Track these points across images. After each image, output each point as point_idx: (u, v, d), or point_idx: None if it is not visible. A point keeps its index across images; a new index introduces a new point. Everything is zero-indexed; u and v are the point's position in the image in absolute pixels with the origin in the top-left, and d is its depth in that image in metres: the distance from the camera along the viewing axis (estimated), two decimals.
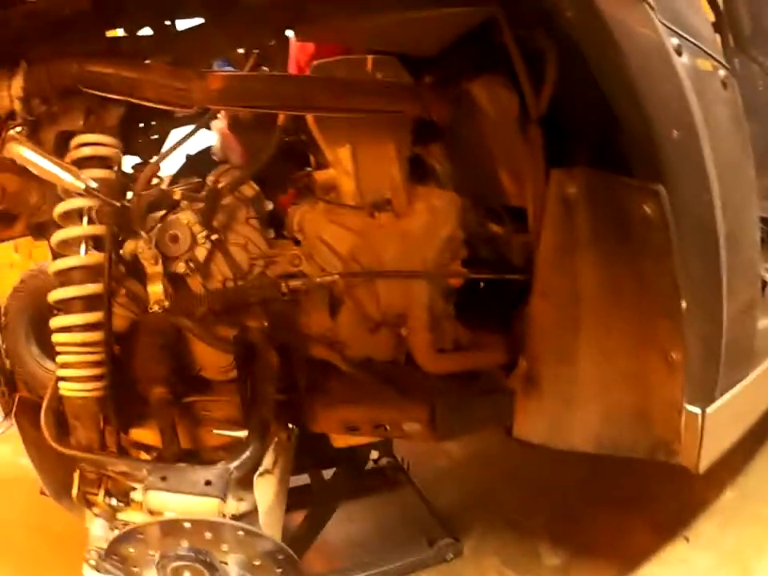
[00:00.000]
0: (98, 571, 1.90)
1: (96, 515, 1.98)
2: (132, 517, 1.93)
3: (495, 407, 2.17)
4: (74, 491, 1.95)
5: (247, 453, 1.88)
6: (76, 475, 1.94)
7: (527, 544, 2.75)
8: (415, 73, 2.27)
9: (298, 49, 2.40)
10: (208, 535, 1.75)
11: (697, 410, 1.85)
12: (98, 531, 1.94)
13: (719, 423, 1.93)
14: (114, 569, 1.87)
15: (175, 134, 2.34)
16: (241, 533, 1.76)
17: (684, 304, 1.77)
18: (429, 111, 2.15)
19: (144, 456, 2.14)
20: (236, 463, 1.85)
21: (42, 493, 2.12)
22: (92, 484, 1.95)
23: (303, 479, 2.87)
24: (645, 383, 1.91)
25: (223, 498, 1.78)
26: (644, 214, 1.74)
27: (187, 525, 1.75)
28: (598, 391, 1.99)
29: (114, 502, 1.96)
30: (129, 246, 2.02)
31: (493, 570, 2.64)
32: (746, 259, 1.97)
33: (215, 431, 2.19)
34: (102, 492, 1.96)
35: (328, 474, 2.77)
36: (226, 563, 1.78)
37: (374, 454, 2.52)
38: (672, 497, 2.85)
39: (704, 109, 1.74)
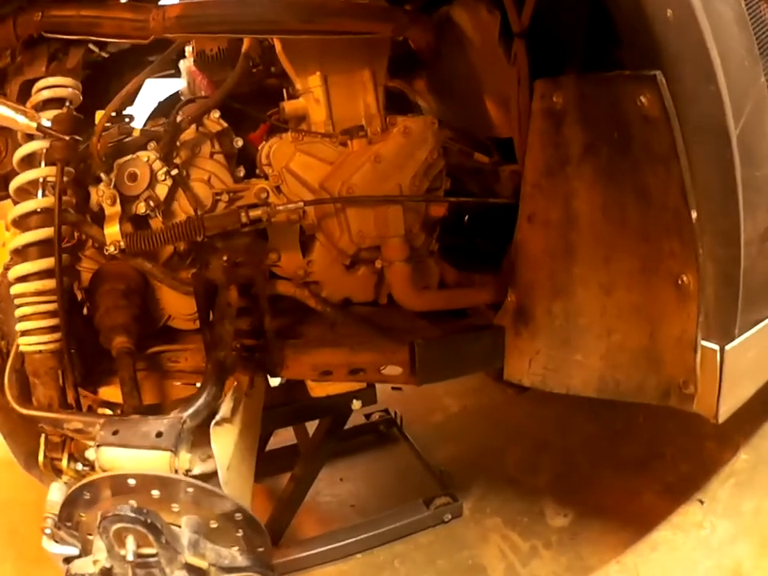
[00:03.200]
0: (55, 541, 1.41)
1: (65, 483, 1.50)
2: None
3: (485, 348, 1.63)
4: (41, 457, 1.50)
5: (201, 400, 1.38)
6: (41, 440, 1.49)
7: (530, 504, 2.17)
8: (398, 1, 1.78)
9: None
10: (155, 493, 1.28)
11: (714, 347, 1.32)
12: (55, 496, 1.46)
13: (740, 364, 1.39)
14: (69, 537, 1.39)
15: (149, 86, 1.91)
16: (190, 489, 1.27)
17: (694, 215, 1.25)
18: (405, 35, 1.68)
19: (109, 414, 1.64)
20: (189, 411, 1.35)
21: None
22: (56, 448, 1.51)
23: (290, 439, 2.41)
24: (652, 315, 1.39)
25: (174, 451, 1.28)
26: (641, 108, 1.24)
27: (131, 481, 1.27)
28: (598, 326, 1.47)
29: (79, 466, 1.49)
30: (93, 192, 1.58)
31: (495, 532, 2.07)
32: (764, 177, 1.39)
33: (178, 382, 1.69)
34: (65, 456, 1.50)
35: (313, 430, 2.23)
36: (179, 525, 1.30)
37: (357, 405, 1.97)
38: (683, 458, 2.25)
39: None
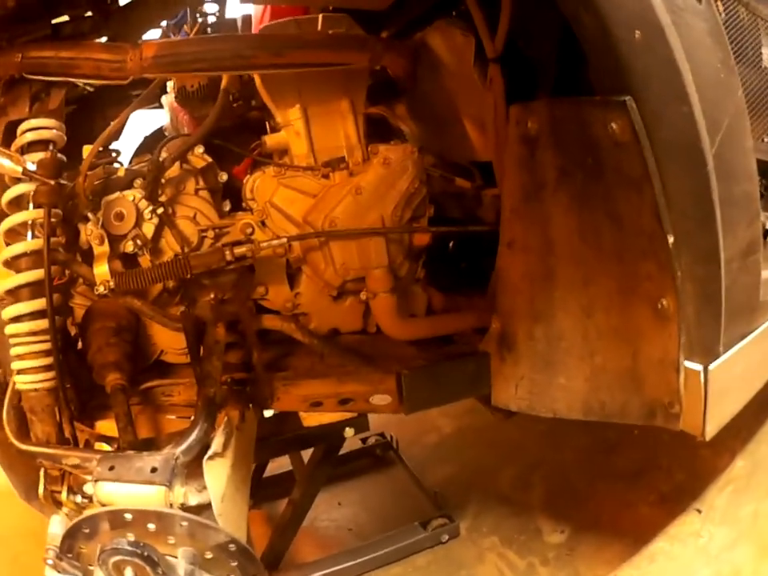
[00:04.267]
0: (57, 571, 1.38)
1: (66, 515, 1.48)
2: None
3: (470, 375, 1.58)
4: (41, 490, 1.48)
5: (193, 436, 1.35)
6: (41, 473, 1.47)
7: (526, 521, 2.11)
8: (375, 30, 1.79)
9: (257, 23, 1.92)
10: (151, 527, 1.26)
11: (697, 367, 1.28)
12: (56, 529, 1.41)
13: (725, 382, 1.34)
14: (71, 568, 1.36)
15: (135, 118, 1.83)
16: (185, 523, 1.25)
17: (671, 239, 1.20)
18: (381, 63, 1.63)
19: (106, 449, 1.61)
20: (182, 447, 1.32)
21: None
22: (55, 481, 1.49)
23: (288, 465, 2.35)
24: (633, 337, 1.34)
25: (169, 486, 1.26)
26: (612, 134, 1.19)
27: (128, 516, 1.26)
28: (580, 349, 1.42)
29: (78, 499, 1.48)
30: (83, 230, 1.55)
31: (491, 551, 2.02)
32: (743, 192, 1.34)
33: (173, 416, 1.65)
34: (65, 489, 1.48)
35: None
36: (176, 557, 1.28)
37: (349, 432, 1.93)
38: (678, 467, 2.17)
39: (672, 13, 1.18)
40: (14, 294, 1.44)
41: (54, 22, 1.52)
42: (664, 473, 2.12)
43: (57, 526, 1.45)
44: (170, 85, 1.98)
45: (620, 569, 1.79)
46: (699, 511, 1.91)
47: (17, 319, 1.43)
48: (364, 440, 2.57)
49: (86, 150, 1.56)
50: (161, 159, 1.57)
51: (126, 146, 1.91)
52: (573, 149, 1.30)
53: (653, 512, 1.97)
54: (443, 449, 2.62)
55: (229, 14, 2.15)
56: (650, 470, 2.15)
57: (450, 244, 1.95)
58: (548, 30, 1.44)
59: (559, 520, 2.03)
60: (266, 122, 1.77)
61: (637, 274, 1.29)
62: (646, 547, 1.83)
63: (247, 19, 2.01)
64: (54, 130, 1.48)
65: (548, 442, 2.42)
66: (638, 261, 1.27)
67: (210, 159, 1.64)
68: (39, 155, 1.47)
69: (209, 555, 1.31)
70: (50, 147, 1.47)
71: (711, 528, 1.84)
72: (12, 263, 1.45)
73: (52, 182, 1.44)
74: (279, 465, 2.32)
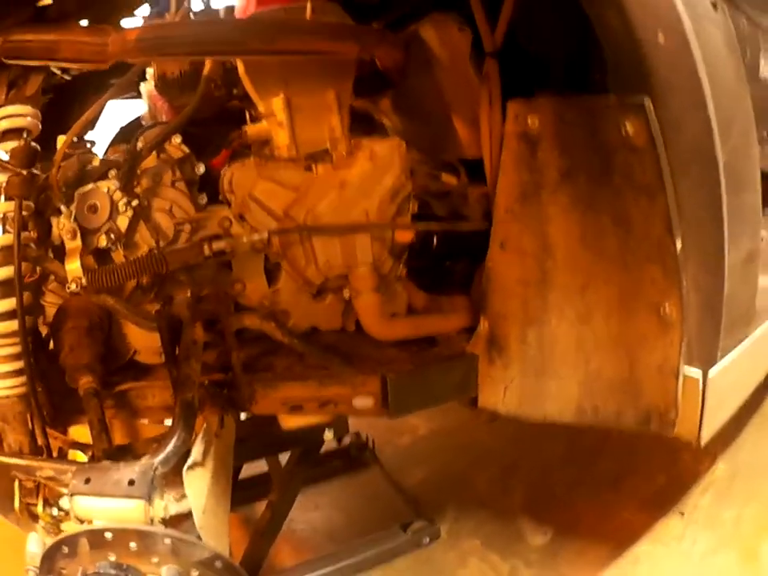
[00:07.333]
0: None
1: (43, 528, 1.37)
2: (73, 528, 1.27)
3: (458, 378, 1.50)
4: (16, 503, 1.36)
5: (171, 445, 1.23)
6: (15, 485, 1.35)
7: (507, 524, 2.00)
8: (365, 21, 1.65)
9: (242, 14, 1.79)
10: (133, 546, 1.15)
11: (696, 373, 1.23)
12: (33, 548, 1.30)
13: (721, 389, 1.30)
14: None
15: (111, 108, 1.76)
16: (167, 541, 1.14)
17: (679, 245, 1.15)
18: (372, 54, 1.50)
19: (80, 457, 1.47)
20: (160, 457, 1.21)
21: None
22: (30, 493, 1.36)
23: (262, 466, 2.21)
24: (632, 343, 1.28)
25: (148, 500, 1.16)
26: (626, 135, 1.13)
27: (108, 535, 1.15)
28: (574, 355, 1.36)
29: (55, 512, 1.35)
30: (55, 224, 1.42)
31: (474, 554, 1.91)
32: (748, 202, 1.31)
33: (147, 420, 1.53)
34: (40, 501, 1.35)
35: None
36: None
37: (329, 435, 1.85)
38: (659, 471, 2.10)
39: (693, 19, 1.12)
40: None
41: (38, 4, 1.36)
42: (645, 477, 2.06)
43: (34, 544, 1.33)
44: (149, 72, 1.79)
45: (604, 571, 1.74)
46: (682, 514, 1.86)
47: None
48: (339, 439, 2.39)
49: (61, 140, 1.42)
50: (137, 149, 1.43)
51: (101, 137, 1.78)
52: (578, 149, 1.23)
53: (635, 516, 1.90)
54: (418, 450, 2.50)
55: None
56: (631, 475, 2.08)
57: (434, 242, 1.80)
58: (556, 26, 1.37)
59: (541, 523, 1.94)
60: (247, 112, 1.63)
61: (640, 279, 1.23)
62: (629, 550, 1.78)
63: (230, 11, 1.87)
64: (29, 118, 1.37)
65: (522, 446, 2.33)
66: (642, 266, 1.21)
67: (187, 150, 1.50)
68: (13, 144, 1.35)
69: (194, 573, 1.20)
70: (24, 136, 1.33)
71: (694, 532, 1.80)
72: None
73: (24, 173, 1.33)
74: (255, 466, 2.16)
